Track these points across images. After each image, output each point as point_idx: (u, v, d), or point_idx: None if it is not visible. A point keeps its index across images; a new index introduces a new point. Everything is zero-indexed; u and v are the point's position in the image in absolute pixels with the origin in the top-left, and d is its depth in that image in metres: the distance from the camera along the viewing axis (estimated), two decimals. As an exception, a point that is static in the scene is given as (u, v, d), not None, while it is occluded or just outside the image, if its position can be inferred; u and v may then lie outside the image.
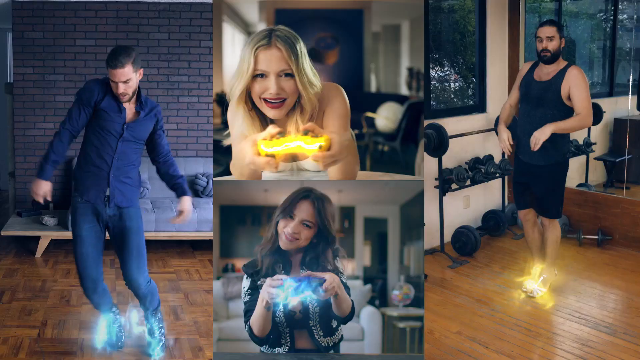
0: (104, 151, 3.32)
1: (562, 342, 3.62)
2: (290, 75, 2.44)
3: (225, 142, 2.67)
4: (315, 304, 2.51)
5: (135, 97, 3.36)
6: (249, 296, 2.57)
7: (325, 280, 2.41)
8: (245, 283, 2.60)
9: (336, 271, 2.57)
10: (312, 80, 2.47)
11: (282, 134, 2.32)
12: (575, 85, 3.85)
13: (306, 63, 2.46)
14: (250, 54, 2.42)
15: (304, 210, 2.52)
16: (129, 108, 3.37)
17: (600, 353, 3.47)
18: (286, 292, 2.39)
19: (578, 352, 3.49)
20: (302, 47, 2.44)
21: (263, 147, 2.28)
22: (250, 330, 2.54)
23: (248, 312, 2.56)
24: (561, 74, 3.88)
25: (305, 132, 2.30)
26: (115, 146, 3.32)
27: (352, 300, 2.57)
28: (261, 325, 2.49)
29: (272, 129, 2.33)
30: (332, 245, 2.56)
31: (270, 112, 2.49)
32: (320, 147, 2.27)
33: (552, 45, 3.87)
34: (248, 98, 2.51)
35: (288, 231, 2.51)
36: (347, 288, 2.58)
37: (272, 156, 2.28)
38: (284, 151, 2.29)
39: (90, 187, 3.35)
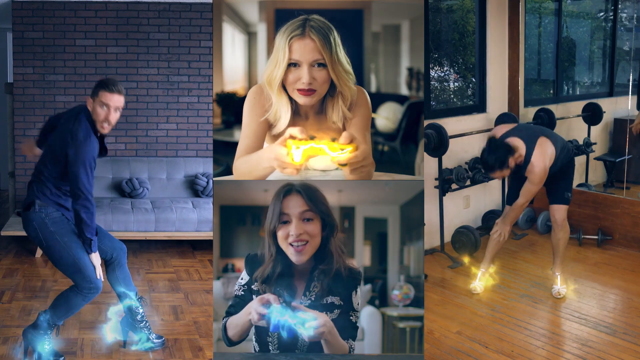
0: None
1: (562, 342, 3.62)
2: (322, 65, 2.44)
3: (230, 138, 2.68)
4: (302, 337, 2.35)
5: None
6: (242, 292, 2.47)
7: (315, 320, 2.28)
8: (245, 277, 2.50)
9: (350, 306, 2.43)
10: (347, 69, 2.48)
11: (312, 137, 2.32)
12: None
13: (340, 53, 2.46)
14: (285, 44, 2.43)
15: (295, 205, 2.39)
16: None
17: (600, 353, 3.47)
18: (273, 317, 2.29)
19: (578, 352, 3.49)
20: (335, 37, 2.45)
21: (292, 145, 2.31)
22: (224, 328, 2.43)
23: (232, 308, 2.46)
24: None
25: (333, 139, 2.30)
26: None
27: (352, 347, 2.41)
28: (238, 333, 2.41)
29: (299, 132, 2.32)
30: (335, 232, 2.43)
31: (301, 99, 2.50)
32: (347, 153, 2.29)
33: None
34: (282, 87, 2.52)
35: (292, 238, 2.37)
36: (351, 329, 2.42)
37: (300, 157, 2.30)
38: (310, 152, 2.30)
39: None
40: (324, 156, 2.57)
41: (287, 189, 2.41)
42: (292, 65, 2.45)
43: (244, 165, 2.53)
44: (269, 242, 2.43)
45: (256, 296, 2.42)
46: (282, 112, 2.53)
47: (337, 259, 2.43)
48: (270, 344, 2.46)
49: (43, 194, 3.28)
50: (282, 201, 2.39)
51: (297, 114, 2.58)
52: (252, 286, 2.46)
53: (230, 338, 2.43)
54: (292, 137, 2.31)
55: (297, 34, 2.41)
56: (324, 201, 2.43)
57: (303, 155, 2.29)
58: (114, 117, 3.21)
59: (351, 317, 2.44)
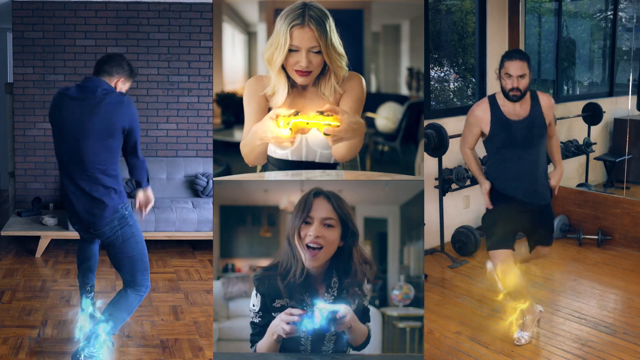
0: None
1: (562, 342, 3.62)
2: (318, 52, 2.71)
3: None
4: (333, 330, 2.44)
5: None
6: (259, 319, 2.47)
7: (338, 311, 2.37)
8: (255, 301, 2.48)
9: (362, 295, 2.52)
10: (340, 52, 2.76)
11: (298, 113, 2.67)
12: (551, 113, 3.49)
13: (334, 37, 2.73)
14: (286, 31, 2.68)
15: (321, 209, 2.44)
16: None
17: (600, 353, 3.47)
18: (302, 328, 2.35)
19: (578, 352, 3.49)
20: (330, 24, 2.71)
21: (282, 122, 2.65)
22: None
23: (256, 336, 2.47)
24: (536, 104, 3.47)
25: (320, 112, 2.63)
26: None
27: (369, 328, 2.54)
28: (270, 352, 2.44)
29: (286, 110, 2.67)
30: (356, 240, 2.48)
31: (299, 79, 2.78)
32: (330, 124, 2.62)
33: (523, 84, 3.41)
34: (281, 67, 2.78)
35: (310, 238, 2.41)
36: (366, 313, 2.56)
37: (289, 130, 2.65)
38: (300, 124, 2.64)
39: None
40: (319, 132, 2.75)
41: (316, 192, 2.47)
42: (292, 50, 2.71)
43: (245, 148, 2.80)
44: (293, 246, 2.45)
45: (276, 314, 2.43)
46: (280, 89, 2.81)
47: (359, 269, 2.49)
48: (302, 346, 2.48)
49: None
50: (312, 203, 2.45)
51: (295, 87, 2.85)
52: (274, 304, 2.45)
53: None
54: (278, 116, 2.65)
55: (298, 24, 2.66)
56: (348, 210, 2.49)
57: (292, 128, 2.65)
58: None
59: (364, 302, 2.59)
